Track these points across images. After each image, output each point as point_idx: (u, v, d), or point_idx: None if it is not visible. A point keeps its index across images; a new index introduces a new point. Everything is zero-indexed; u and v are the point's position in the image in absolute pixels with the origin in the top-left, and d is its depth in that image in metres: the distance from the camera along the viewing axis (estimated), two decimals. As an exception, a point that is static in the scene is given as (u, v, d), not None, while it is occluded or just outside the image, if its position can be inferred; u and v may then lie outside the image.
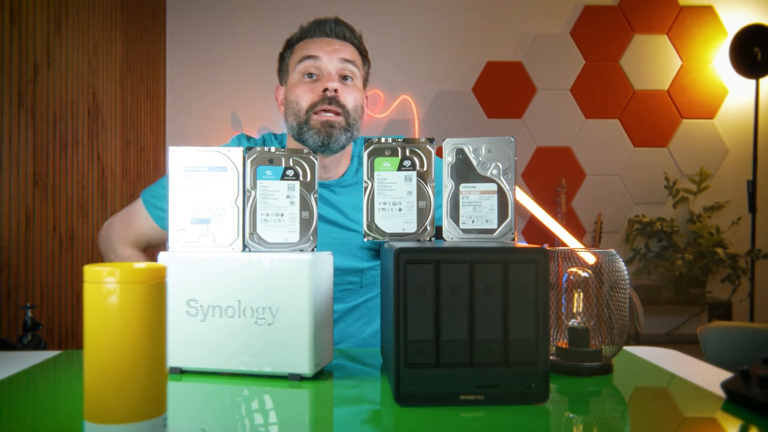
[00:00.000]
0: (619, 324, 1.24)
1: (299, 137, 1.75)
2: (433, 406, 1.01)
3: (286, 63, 1.84)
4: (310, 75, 1.75)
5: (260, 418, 0.98)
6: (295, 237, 1.21)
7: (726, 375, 1.17)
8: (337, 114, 1.73)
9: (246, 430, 0.93)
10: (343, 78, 1.77)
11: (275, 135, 1.92)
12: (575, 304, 1.25)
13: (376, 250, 1.81)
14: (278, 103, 1.88)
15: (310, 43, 1.78)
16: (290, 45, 1.84)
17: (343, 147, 1.76)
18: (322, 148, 1.73)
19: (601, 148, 5.12)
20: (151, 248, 1.89)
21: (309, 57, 1.75)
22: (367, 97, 1.90)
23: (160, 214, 1.80)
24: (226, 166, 1.21)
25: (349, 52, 1.79)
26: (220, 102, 4.99)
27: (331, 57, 1.75)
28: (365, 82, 1.89)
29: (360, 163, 1.88)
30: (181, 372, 1.19)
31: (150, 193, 1.84)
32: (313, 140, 1.72)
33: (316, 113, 1.72)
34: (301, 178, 1.21)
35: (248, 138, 1.88)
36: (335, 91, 1.72)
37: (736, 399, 1.02)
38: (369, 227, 1.24)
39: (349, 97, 1.76)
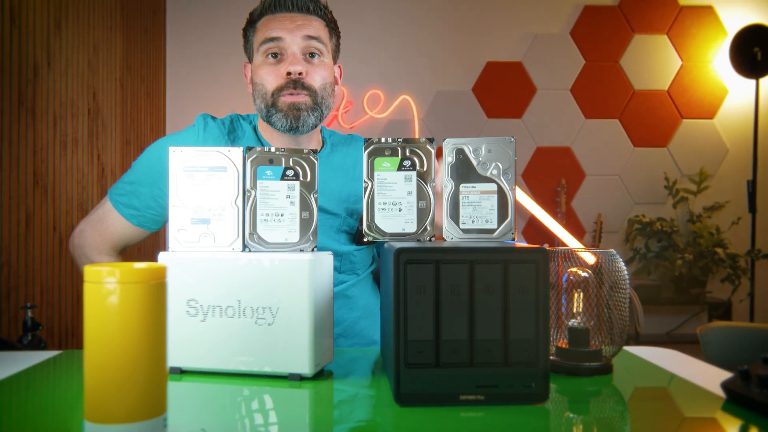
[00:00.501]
0: (619, 324, 1.24)
1: (267, 119, 1.72)
2: (433, 406, 1.01)
3: (250, 42, 1.78)
4: (274, 55, 1.70)
5: (260, 418, 0.98)
6: (295, 237, 1.21)
7: (726, 375, 1.17)
8: (305, 95, 1.69)
9: (246, 430, 0.93)
10: (310, 55, 1.71)
11: (242, 116, 1.87)
12: (575, 304, 1.25)
13: (351, 234, 1.79)
14: (247, 81, 1.83)
15: (272, 21, 1.71)
16: (252, 22, 1.78)
17: (313, 126, 1.73)
18: (291, 131, 1.71)
19: (601, 148, 5.12)
20: (130, 249, 1.84)
21: (271, 39, 1.69)
22: (339, 68, 1.86)
23: (133, 213, 1.75)
24: (226, 166, 1.21)
25: (314, 26, 1.72)
26: (220, 102, 4.99)
27: (294, 35, 1.69)
28: (336, 54, 1.83)
29: (333, 149, 1.85)
30: (181, 372, 1.19)
31: (118, 192, 1.77)
32: (281, 123, 1.69)
33: (282, 96, 1.68)
34: (301, 178, 1.21)
35: (213, 118, 1.82)
36: (300, 74, 1.68)
37: (736, 399, 1.02)
38: (369, 227, 1.24)
39: (317, 77, 1.71)
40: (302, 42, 1.69)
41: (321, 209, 1.74)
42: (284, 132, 1.72)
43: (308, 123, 1.70)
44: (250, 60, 1.80)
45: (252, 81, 1.77)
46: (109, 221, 1.77)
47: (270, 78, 1.70)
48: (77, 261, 1.81)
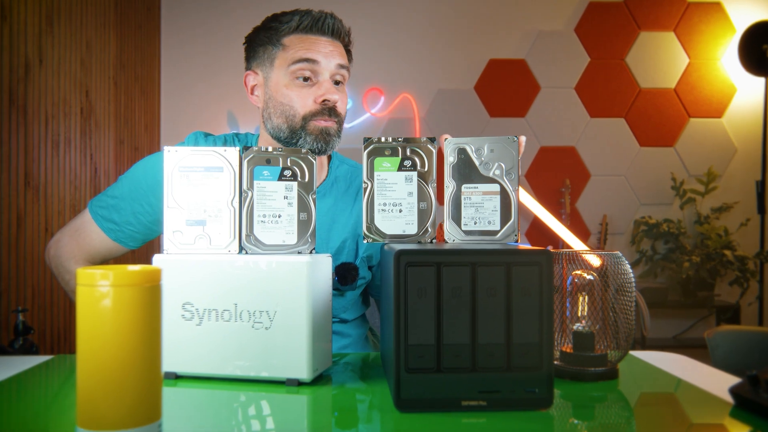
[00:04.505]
0: (624, 328, 1.25)
1: (289, 140, 1.69)
2: (434, 411, 1.01)
3: (270, 54, 1.72)
4: (305, 78, 1.68)
5: (257, 425, 0.98)
6: (293, 239, 1.21)
7: (734, 380, 1.17)
8: (334, 122, 1.70)
9: (243, 436, 0.93)
10: (335, 82, 1.71)
11: (238, 135, 1.84)
12: (580, 308, 1.25)
13: (340, 275, 1.76)
14: (249, 91, 1.79)
15: (306, 42, 1.69)
16: (276, 35, 1.71)
17: (334, 149, 1.73)
18: (316, 153, 1.70)
19: (606, 147, 5.12)
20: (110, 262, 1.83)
21: (307, 60, 1.67)
22: None
23: (112, 227, 1.74)
24: (222, 166, 1.21)
25: (341, 54, 1.73)
26: (216, 101, 4.99)
27: (329, 61, 1.68)
28: None
29: (335, 182, 1.82)
30: (176, 377, 1.20)
31: (98, 204, 1.76)
32: (309, 146, 1.67)
33: (314, 121, 1.67)
34: (299, 179, 1.22)
35: (206, 136, 1.79)
36: (336, 102, 1.69)
37: (744, 404, 1.02)
38: (369, 228, 1.24)
39: (342, 104, 1.72)
40: (334, 69, 1.69)
41: None
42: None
43: (334, 147, 1.71)
44: (255, 69, 1.76)
45: (272, 98, 1.72)
46: (86, 233, 1.76)
47: (302, 102, 1.68)
48: (55, 272, 1.80)
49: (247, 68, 1.78)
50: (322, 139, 1.67)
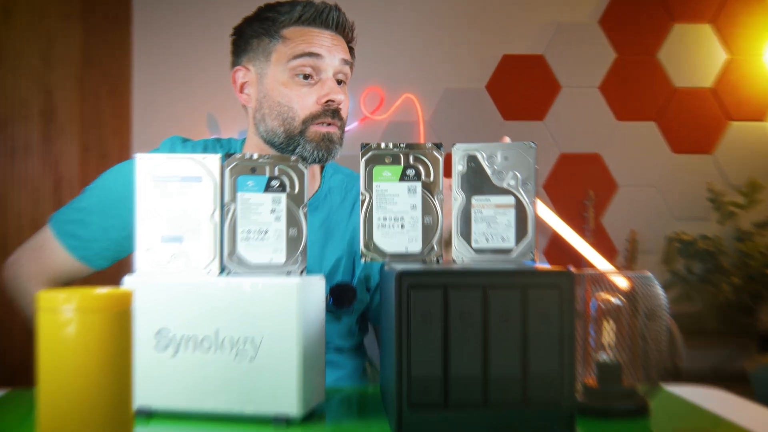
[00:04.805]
0: (655, 358, 1.25)
1: (286, 147, 1.69)
2: (440, 453, 1.01)
3: (265, 48, 1.72)
4: (306, 75, 1.68)
5: (241, 468, 0.98)
6: (281, 258, 1.22)
7: (780, 417, 1.17)
8: (337, 126, 1.70)
9: (224, 481, 0.93)
10: (337, 81, 1.72)
11: (220, 141, 1.83)
12: (605, 336, 1.26)
13: (336, 297, 1.74)
14: (237, 89, 1.78)
15: (307, 34, 1.69)
16: (274, 26, 1.71)
17: (336, 156, 1.73)
18: (318, 162, 1.71)
19: (635, 154, 5.12)
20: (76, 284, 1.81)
21: (309, 54, 1.67)
22: None
23: (77, 244, 1.73)
24: (201, 175, 1.21)
25: (345, 50, 1.74)
26: (196, 102, 4.99)
27: (333, 56, 1.69)
28: None
29: (329, 193, 1.82)
30: (149, 414, 1.20)
31: (62, 219, 1.76)
32: (309, 154, 1.67)
33: (315, 125, 1.67)
34: (287, 190, 1.22)
35: (184, 141, 1.79)
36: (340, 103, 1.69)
37: (791, 445, 1.03)
38: (367, 246, 1.24)
39: (345, 107, 1.73)
40: (338, 66, 1.70)
41: None
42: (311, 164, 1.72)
43: (336, 156, 1.72)
44: (245, 64, 1.76)
45: (267, 97, 1.71)
46: (48, 251, 1.75)
47: (303, 102, 1.68)
48: (12, 295, 1.79)
49: (236, 63, 1.78)
50: (324, 147, 1.67)
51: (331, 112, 1.67)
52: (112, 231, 1.70)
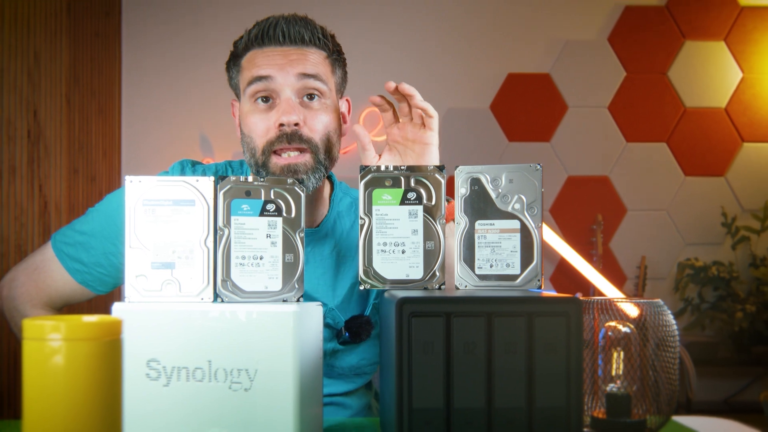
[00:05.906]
0: (666, 389, 1.25)
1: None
2: (443, 489, 1.01)
3: (234, 81, 1.73)
4: (265, 99, 1.63)
5: (234, 504, 0.97)
6: (276, 285, 1.22)
7: (797, 452, 1.17)
8: (302, 151, 1.61)
9: None
10: (308, 97, 1.63)
11: (231, 164, 1.82)
12: (614, 366, 1.26)
13: (333, 328, 1.70)
14: (236, 125, 1.76)
15: (259, 56, 1.64)
16: (236, 56, 1.71)
17: (314, 187, 1.64)
18: None
19: (645, 177, 5.12)
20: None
21: (258, 78, 1.62)
22: (348, 102, 1.79)
23: (79, 268, 1.72)
24: (194, 199, 1.21)
25: (312, 61, 1.64)
26: (187, 122, 5.00)
27: (286, 73, 1.61)
28: (341, 87, 1.76)
29: (338, 218, 1.78)
30: (138, 448, 1.19)
31: (64, 240, 1.74)
32: None
33: (275, 152, 1.61)
34: (284, 214, 1.22)
35: (194, 165, 1.76)
36: (296, 125, 1.59)
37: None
38: (366, 273, 1.24)
39: (317, 125, 1.63)
40: (297, 82, 1.61)
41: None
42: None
43: (308, 186, 1.60)
44: (235, 102, 1.76)
45: (240, 130, 1.70)
46: (47, 272, 1.74)
47: (258, 129, 1.62)
48: (7, 315, 1.77)
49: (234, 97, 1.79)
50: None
51: (287, 137, 1.59)
52: (114, 257, 1.69)
